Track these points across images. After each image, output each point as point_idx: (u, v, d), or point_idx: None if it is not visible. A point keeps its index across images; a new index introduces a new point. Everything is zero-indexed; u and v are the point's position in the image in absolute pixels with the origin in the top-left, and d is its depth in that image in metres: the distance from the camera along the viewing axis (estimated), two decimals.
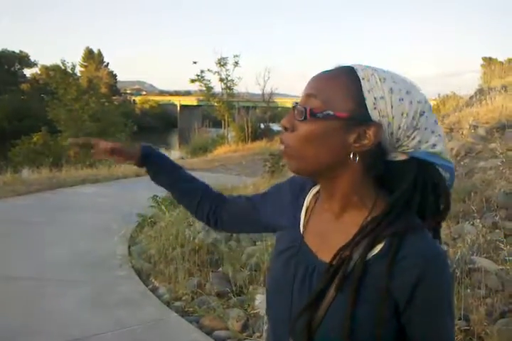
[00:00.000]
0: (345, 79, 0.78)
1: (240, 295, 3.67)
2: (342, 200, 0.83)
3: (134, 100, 52.78)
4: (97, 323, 3.34)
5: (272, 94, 25.59)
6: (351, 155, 0.78)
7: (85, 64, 50.56)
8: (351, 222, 0.81)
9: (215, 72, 22.20)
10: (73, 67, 21.11)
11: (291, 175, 1.00)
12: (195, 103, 43.98)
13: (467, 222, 3.87)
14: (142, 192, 7.07)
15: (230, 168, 12.66)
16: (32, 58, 47.29)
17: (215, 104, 23.00)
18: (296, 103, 0.81)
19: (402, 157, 0.80)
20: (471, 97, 10.22)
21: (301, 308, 0.79)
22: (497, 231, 3.79)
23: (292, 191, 0.98)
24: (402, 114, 0.76)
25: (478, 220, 3.78)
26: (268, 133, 22.75)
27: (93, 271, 4.43)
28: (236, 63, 22.11)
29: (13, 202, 7.52)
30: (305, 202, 0.93)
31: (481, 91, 10.01)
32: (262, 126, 24.18)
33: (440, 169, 0.80)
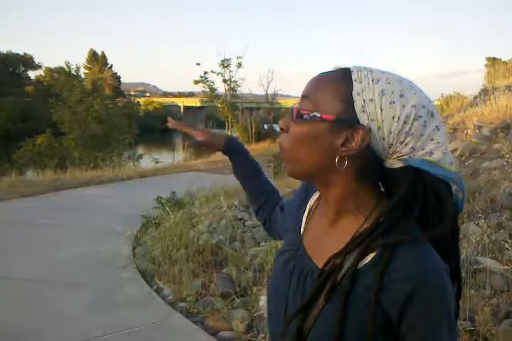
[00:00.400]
0: (338, 81, 0.76)
1: (244, 296, 3.67)
2: (336, 206, 0.81)
3: (137, 102, 52.84)
4: (101, 324, 3.35)
5: (275, 95, 25.63)
6: (336, 159, 0.75)
7: (89, 66, 50.83)
8: (346, 228, 0.79)
9: (219, 73, 22.28)
10: (77, 69, 21.19)
11: None
12: (198, 104, 44.07)
13: (472, 222, 3.86)
14: (146, 193, 7.11)
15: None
16: (36, 60, 47.58)
17: (219, 105, 23.04)
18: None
19: (398, 164, 0.75)
20: (475, 97, 10.19)
21: (292, 314, 0.79)
22: (502, 231, 3.78)
23: (301, 194, 0.98)
24: (392, 118, 0.72)
25: (482, 220, 3.77)
26: (271, 134, 22.76)
27: (98, 272, 4.44)
28: (239, 64, 22.18)
29: (18, 203, 7.56)
30: (308, 205, 0.94)
31: (485, 92, 9.98)
32: (266, 127, 24.20)
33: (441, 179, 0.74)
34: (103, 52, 53.44)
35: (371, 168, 0.77)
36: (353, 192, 0.79)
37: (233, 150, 1.24)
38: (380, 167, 0.77)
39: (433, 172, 0.74)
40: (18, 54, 46.70)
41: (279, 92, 26.18)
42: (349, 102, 0.74)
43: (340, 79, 0.76)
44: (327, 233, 0.84)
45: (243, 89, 24.00)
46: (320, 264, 0.79)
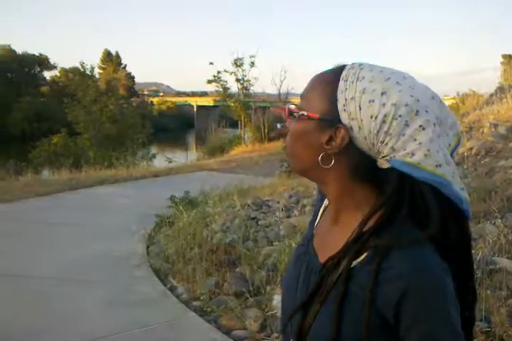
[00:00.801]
0: (327, 80, 0.77)
1: (257, 296, 3.67)
2: (335, 204, 0.82)
3: (151, 101, 53.26)
4: (116, 322, 3.38)
5: (288, 94, 25.56)
6: (320, 157, 0.76)
7: (104, 66, 51.23)
8: (347, 226, 0.79)
9: (232, 72, 22.27)
10: (92, 70, 21.41)
11: None
12: (211, 103, 44.18)
13: (488, 222, 3.81)
14: (160, 192, 7.15)
15: (247, 168, 12.67)
16: (51, 61, 48.11)
17: (232, 104, 23.05)
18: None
19: (386, 165, 0.74)
20: (491, 95, 10.04)
21: (292, 310, 0.80)
22: None
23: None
24: (370, 117, 0.71)
25: (499, 220, 3.72)
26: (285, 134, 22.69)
27: (112, 271, 4.48)
28: (252, 63, 22.12)
29: (34, 202, 7.65)
30: (324, 202, 0.94)
31: (501, 89, 9.83)
32: (279, 126, 24.11)
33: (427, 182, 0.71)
34: (117, 53, 53.84)
35: (365, 168, 0.76)
36: (349, 191, 0.79)
37: None
38: (374, 167, 0.76)
39: (414, 175, 0.71)
40: (33, 55, 47.28)
41: (292, 91, 26.11)
42: (334, 101, 0.75)
43: (331, 78, 0.77)
44: (330, 230, 0.85)
45: (256, 88, 23.94)
46: (323, 261, 0.80)
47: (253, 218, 5.52)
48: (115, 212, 6.95)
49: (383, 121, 0.71)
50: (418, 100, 0.72)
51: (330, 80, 0.77)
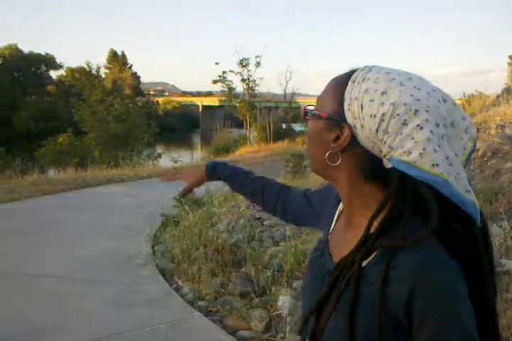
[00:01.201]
0: (339, 82, 0.80)
1: (262, 296, 3.67)
2: (348, 204, 0.84)
3: (157, 101, 53.35)
4: (121, 322, 3.39)
5: (293, 94, 25.54)
6: (326, 155, 0.80)
7: (109, 66, 51.34)
8: (359, 226, 0.80)
9: (237, 72, 22.29)
10: (98, 69, 21.55)
11: (312, 176, 1.02)
12: (217, 103, 44.18)
13: (494, 224, 3.80)
14: (166, 192, 7.15)
15: (252, 168, 12.62)
16: (58, 60, 48.34)
17: (237, 104, 23.06)
18: None
19: (388, 164, 0.74)
20: (497, 96, 9.99)
21: (308, 311, 0.81)
22: None
23: (337, 194, 0.99)
24: (370, 116, 0.73)
25: (505, 222, 3.71)
26: (290, 134, 22.71)
27: (118, 270, 4.50)
28: (258, 64, 22.14)
29: (40, 201, 7.70)
30: (339, 205, 0.96)
31: (508, 90, 9.78)
32: (284, 126, 24.14)
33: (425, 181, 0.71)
34: (123, 52, 53.95)
35: (371, 167, 0.77)
36: (358, 191, 0.81)
37: (219, 175, 1.36)
38: (381, 166, 0.76)
39: (411, 173, 0.71)
40: (40, 54, 47.52)
41: (298, 91, 26.09)
42: (341, 101, 0.78)
43: (342, 80, 0.80)
44: (344, 231, 0.86)
45: (262, 88, 23.99)
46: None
47: (258, 218, 5.53)
48: (121, 212, 6.97)
49: (382, 120, 0.72)
50: (419, 100, 0.72)
51: (341, 82, 0.80)
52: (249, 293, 3.68)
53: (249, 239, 4.76)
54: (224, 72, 22.33)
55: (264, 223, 5.34)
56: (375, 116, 0.73)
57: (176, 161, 13.93)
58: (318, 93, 0.87)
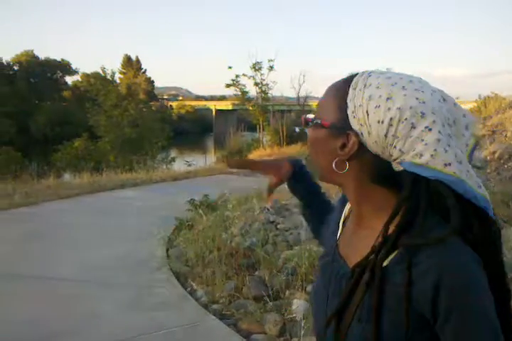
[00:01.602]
0: (338, 88, 0.80)
1: (276, 300, 3.66)
2: (356, 209, 0.85)
3: (170, 105, 53.73)
4: (136, 325, 3.41)
5: (306, 98, 25.52)
6: (334, 163, 0.79)
7: (124, 71, 51.87)
8: (372, 230, 0.80)
9: (250, 76, 22.35)
10: (113, 74, 21.71)
11: None
12: (230, 107, 44.40)
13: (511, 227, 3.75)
14: (180, 195, 7.19)
15: None
16: (73, 66, 49.04)
17: (250, 108, 23.11)
18: None
19: (399, 167, 0.75)
20: None
21: (330, 315, 0.80)
22: None
23: (342, 200, 1.00)
24: (377, 122, 0.73)
25: None
26: (303, 137, 22.67)
27: (133, 274, 4.53)
28: (271, 67, 22.18)
29: (56, 205, 7.79)
30: (344, 210, 0.96)
31: None
32: (297, 129, 24.13)
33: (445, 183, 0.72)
34: (137, 57, 54.52)
35: (381, 172, 0.78)
36: (367, 195, 0.81)
37: (305, 177, 1.15)
38: (392, 171, 0.77)
39: (424, 174, 0.72)
40: (55, 60, 48.22)
41: (311, 95, 26.06)
42: (344, 108, 0.78)
43: (342, 86, 0.80)
44: (355, 236, 0.86)
45: (275, 91, 24.01)
46: (352, 266, 0.80)
47: (272, 222, 5.52)
48: (136, 215, 7.01)
49: (390, 125, 0.73)
50: (424, 102, 0.73)
51: (341, 88, 0.80)
52: (263, 296, 3.68)
53: (263, 243, 4.75)
54: (237, 76, 22.42)
55: (278, 227, 5.33)
56: (382, 122, 0.73)
57: (189, 165, 14.02)
58: None
